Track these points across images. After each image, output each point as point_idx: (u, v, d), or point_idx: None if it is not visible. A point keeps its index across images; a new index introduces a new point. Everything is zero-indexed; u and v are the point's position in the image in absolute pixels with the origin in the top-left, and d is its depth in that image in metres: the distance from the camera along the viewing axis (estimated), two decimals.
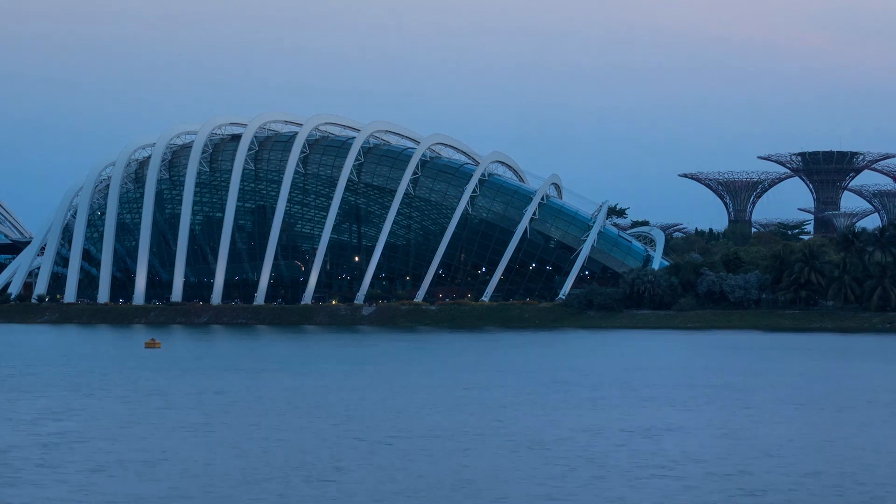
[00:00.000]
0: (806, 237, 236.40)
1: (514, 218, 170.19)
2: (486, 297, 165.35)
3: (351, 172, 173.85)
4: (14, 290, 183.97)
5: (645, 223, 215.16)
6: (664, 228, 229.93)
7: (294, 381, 66.90)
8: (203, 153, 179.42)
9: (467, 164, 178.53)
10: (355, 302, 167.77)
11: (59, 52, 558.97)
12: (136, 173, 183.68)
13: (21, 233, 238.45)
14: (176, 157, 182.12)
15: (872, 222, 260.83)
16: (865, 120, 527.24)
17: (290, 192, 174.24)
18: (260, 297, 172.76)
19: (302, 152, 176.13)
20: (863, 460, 37.84)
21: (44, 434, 43.48)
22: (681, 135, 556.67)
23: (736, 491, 32.10)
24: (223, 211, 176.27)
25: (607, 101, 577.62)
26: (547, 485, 32.83)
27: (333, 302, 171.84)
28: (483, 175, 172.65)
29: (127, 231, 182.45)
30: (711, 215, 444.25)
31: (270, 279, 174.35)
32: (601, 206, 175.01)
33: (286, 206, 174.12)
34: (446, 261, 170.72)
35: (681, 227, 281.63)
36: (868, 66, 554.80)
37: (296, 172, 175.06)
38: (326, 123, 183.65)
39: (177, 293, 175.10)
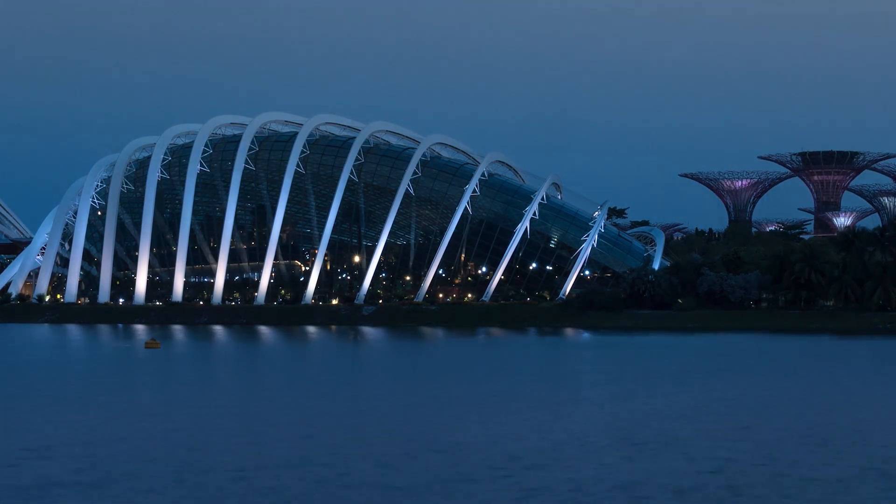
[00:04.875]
0: (806, 237, 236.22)
1: (514, 218, 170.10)
2: (486, 297, 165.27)
3: (351, 172, 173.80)
4: (14, 290, 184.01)
5: (645, 223, 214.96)
6: (664, 228, 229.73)
7: None
8: (203, 153, 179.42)
9: (467, 164, 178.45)
10: (355, 302, 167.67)
11: (58, 52, 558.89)
12: (137, 173, 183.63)
13: (21, 233, 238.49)
14: (176, 157, 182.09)
15: (872, 222, 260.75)
16: (865, 120, 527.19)
17: (290, 192, 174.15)
18: (260, 298, 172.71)
19: (302, 152, 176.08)
20: None
21: None
22: (681, 135, 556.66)
23: None
24: (223, 211, 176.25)
25: (607, 101, 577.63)
26: None
27: (334, 302, 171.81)
28: (483, 175, 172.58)
29: (127, 231, 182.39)
30: (711, 215, 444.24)
31: (270, 279, 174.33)
32: (601, 207, 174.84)
33: (286, 206, 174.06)
34: (446, 261, 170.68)
35: (681, 227, 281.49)
36: (868, 65, 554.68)
37: (296, 172, 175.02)
38: (326, 123, 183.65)
39: (177, 293, 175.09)
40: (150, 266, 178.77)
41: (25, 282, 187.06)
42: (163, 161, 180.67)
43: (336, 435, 43.69)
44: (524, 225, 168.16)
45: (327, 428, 45.83)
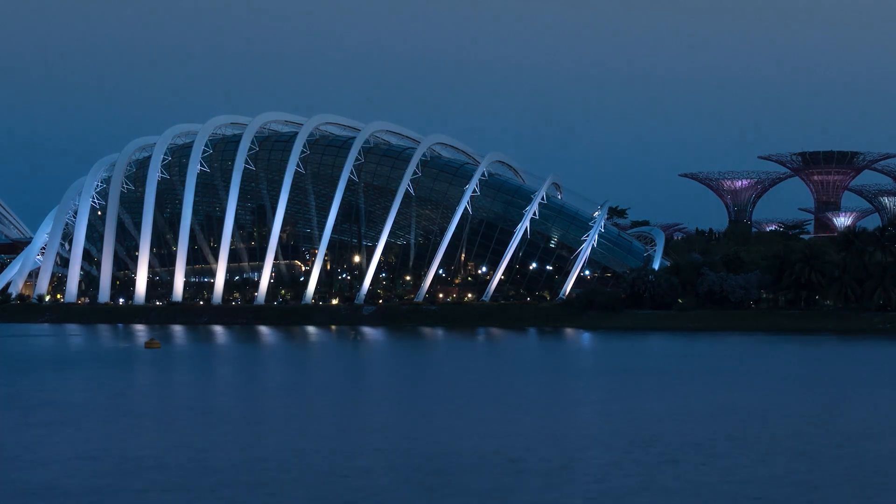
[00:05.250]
0: (806, 237, 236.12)
1: (514, 218, 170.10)
2: (486, 297, 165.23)
3: (351, 172, 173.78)
4: (14, 290, 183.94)
5: (645, 223, 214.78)
6: (664, 228, 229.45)
7: None
8: (203, 153, 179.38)
9: (467, 163, 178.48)
10: (356, 302, 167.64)
11: (59, 52, 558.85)
12: (137, 173, 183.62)
13: (21, 233, 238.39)
14: (176, 157, 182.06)
15: (872, 222, 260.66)
16: (865, 120, 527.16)
17: (290, 192, 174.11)
18: (260, 297, 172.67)
19: (302, 152, 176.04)
20: None
21: None
22: (681, 135, 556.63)
23: None
24: (223, 211, 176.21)
25: (608, 101, 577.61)
26: None
27: (334, 302, 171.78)
28: (483, 175, 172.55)
29: (127, 231, 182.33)
30: (711, 215, 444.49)
31: (271, 279, 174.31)
32: (601, 206, 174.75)
33: (286, 206, 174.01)
34: (446, 261, 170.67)
35: (681, 227, 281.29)
36: (868, 65, 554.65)
37: (296, 172, 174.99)
38: (326, 123, 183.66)
39: (177, 293, 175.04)
40: (150, 266, 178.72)
41: (25, 282, 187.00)
42: (163, 161, 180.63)
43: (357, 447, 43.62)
44: (524, 225, 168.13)
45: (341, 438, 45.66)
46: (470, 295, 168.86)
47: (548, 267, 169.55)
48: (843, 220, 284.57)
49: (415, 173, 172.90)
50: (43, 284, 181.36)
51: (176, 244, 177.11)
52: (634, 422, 48.06)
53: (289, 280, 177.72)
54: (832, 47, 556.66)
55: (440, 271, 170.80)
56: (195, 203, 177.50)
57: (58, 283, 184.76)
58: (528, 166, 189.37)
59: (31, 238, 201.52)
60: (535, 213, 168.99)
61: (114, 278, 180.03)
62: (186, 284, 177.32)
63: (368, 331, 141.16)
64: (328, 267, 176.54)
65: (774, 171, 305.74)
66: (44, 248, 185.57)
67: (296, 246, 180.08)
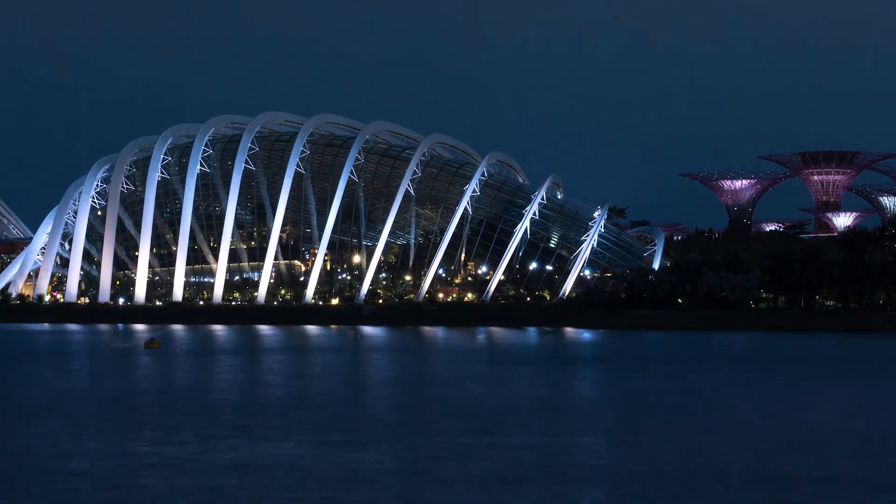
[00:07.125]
0: (806, 237, 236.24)
1: (514, 218, 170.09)
2: (486, 297, 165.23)
3: (351, 172, 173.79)
4: (14, 289, 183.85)
5: (645, 223, 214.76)
6: (664, 228, 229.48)
7: None
8: (203, 153, 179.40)
9: (467, 163, 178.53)
10: (356, 302, 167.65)
11: (59, 52, 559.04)
12: (136, 173, 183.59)
13: (21, 233, 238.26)
14: (176, 157, 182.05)
15: (872, 222, 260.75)
16: (865, 120, 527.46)
17: (290, 192, 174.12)
18: (260, 297, 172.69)
19: (302, 152, 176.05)
20: None
21: None
22: (681, 135, 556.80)
23: None
24: (223, 211, 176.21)
25: (608, 101, 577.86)
26: None
27: (334, 302, 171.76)
28: (483, 175, 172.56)
29: (127, 231, 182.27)
30: (711, 215, 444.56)
31: (270, 279, 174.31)
32: (601, 206, 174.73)
33: (286, 206, 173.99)
34: (446, 261, 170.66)
35: (681, 227, 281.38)
36: (868, 65, 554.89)
37: (296, 172, 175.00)
38: (326, 123, 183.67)
39: (177, 293, 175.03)
40: (150, 266, 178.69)
41: (25, 282, 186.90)
42: (163, 161, 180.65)
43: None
44: (524, 225, 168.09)
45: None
46: (470, 295, 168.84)
47: (548, 267, 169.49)
48: (843, 220, 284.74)
49: (415, 173, 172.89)
50: (43, 284, 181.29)
51: (176, 244, 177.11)
52: None
53: (289, 280, 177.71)
54: (832, 47, 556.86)
55: (440, 271, 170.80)
56: (195, 203, 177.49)
57: (58, 283, 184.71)
58: (528, 166, 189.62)
59: (31, 238, 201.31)
60: (535, 213, 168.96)
61: (114, 278, 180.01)
62: (186, 284, 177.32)
63: (369, 330, 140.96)
64: (328, 267, 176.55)
65: (774, 171, 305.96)
66: (44, 248, 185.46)
67: (296, 246, 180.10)
